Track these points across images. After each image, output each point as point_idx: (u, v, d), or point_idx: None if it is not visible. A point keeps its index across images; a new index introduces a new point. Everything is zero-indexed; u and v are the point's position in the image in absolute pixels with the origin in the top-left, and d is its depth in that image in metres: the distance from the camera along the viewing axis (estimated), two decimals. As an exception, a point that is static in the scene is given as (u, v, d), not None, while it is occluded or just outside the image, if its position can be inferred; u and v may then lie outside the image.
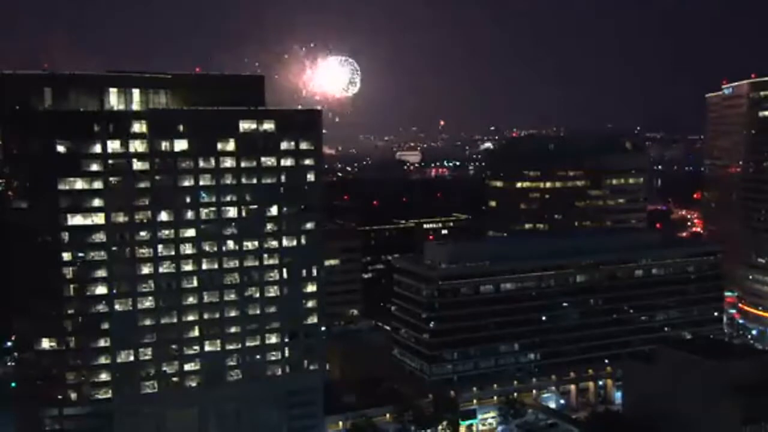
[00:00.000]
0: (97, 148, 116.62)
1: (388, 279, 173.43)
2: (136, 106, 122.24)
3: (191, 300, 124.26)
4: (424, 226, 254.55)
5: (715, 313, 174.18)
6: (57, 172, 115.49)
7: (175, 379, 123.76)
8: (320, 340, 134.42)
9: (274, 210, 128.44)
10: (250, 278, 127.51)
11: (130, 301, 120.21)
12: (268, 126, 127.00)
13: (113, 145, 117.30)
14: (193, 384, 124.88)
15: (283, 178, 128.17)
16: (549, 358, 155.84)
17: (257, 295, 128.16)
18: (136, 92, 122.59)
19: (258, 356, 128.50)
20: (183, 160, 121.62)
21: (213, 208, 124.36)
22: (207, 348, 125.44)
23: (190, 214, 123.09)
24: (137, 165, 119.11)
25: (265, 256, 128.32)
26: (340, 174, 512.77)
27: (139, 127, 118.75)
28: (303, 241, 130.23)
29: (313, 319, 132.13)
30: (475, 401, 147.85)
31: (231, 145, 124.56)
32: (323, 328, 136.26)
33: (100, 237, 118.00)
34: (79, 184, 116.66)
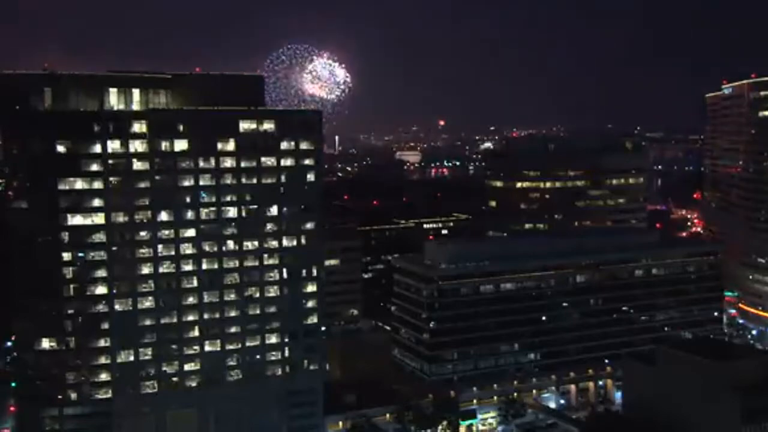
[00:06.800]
0: (97, 148, 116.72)
1: (388, 279, 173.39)
2: (136, 106, 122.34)
3: (191, 300, 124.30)
4: (424, 226, 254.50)
5: (715, 313, 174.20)
6: (57, 172, 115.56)
7: (175, 379, 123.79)
8: (320, 340, 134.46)
9: (274, 210, 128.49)
10: (250, 278, 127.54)
11: (130, 301, 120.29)
12: (268, 126, 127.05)
13: (113, 145, 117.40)
14: (193, 384, 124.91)
15: (283, 178, 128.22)
16: (549, 358, 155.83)
17: (257, 295, 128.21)
18: (136, 92, 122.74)
19: (258, 356, 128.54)
20: (183, 160, 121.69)
21: (213, 208, 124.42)
22: (207, 348, 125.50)
23: (190, 214, 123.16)
24: (137, 165, 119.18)
25: (265, 256, 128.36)
26: (340, 174, 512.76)
27: (139, 127, 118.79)
28: (303, 241, 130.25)
29: (313, 319, 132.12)
30: (475, 401, 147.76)
31: (231, 145, 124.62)
32: (323, 328, 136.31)
33: (100, 237, 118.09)
34: (79, 184, 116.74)
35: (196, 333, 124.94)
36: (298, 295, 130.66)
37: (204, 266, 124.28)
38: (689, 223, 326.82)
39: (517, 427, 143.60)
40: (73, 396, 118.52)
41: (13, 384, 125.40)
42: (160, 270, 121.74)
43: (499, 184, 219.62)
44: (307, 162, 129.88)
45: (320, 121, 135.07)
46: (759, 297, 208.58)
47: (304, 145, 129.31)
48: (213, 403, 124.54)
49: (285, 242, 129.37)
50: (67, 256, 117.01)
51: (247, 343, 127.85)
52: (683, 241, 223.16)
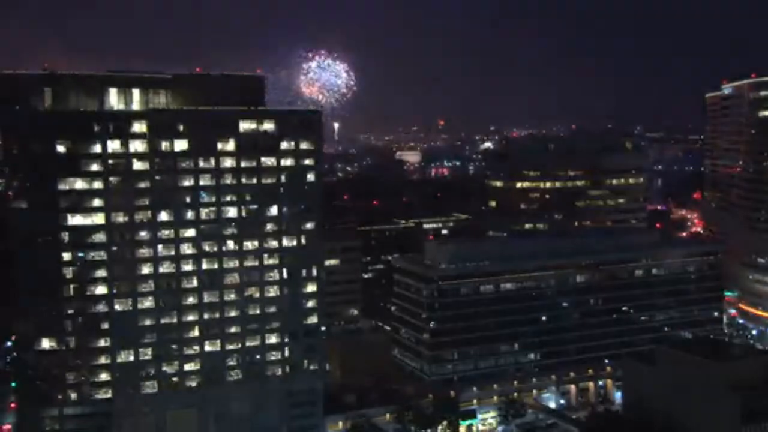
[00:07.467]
0: (97, 148, 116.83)
1: (388, 279, 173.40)
2: (136, 106, 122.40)
3: (191, 300, 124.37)
4: (424, 226, 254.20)
5: (715, 313, 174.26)
6: (57, 172, 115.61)
7: (175, 379, 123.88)
8: (320, 340, 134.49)
9: (274, 210, 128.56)
10: (250, 278, 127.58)
11: (130, 301, 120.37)
12: (268, 126, 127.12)
13: (113, 145, 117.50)
14: (193, 384, 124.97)
15: (283, 178, 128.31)
16: (549, 358, 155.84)
17: (257, 295, 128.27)
18: (136, 92, 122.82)
19: (258, 356, 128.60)
20: (183, 160, 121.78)
21: (213, 208, 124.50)
22: (207, 348, 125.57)
23: (190, 214, 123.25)
24: (137, 165, 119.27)
25: (265, 256, 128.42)
26: (340, 174, 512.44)
27: (139, 127, 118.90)
28: (303, 241, 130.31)
29: (313, 319, 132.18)
30: (475, 401, 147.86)
31: (231, 145, 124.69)
32: (323, 328, 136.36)
33: (100, 237, 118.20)
34: (79, 184, 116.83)
35: (196, 333, 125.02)
36: (298, 295, 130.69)
37: (204, 266, 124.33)
38: (689, 223, 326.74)
39: (517, 427, 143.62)
40: (73, 396, 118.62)
41: (13, 384, 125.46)
42: (160, 270, 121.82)
43: (499, 184, 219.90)
44: (307, 162, 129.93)
45: (320, 121, 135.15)
46: (759, 297, 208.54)
47: (304, 145, 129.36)
48: (213, 403, 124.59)
49: (285, 242, 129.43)
50: (67, 256, 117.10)
51: (247, 343, 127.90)
52: (683, 241, 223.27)
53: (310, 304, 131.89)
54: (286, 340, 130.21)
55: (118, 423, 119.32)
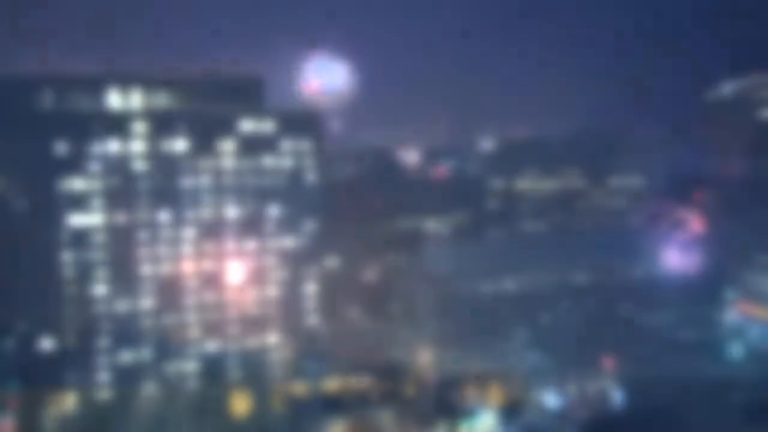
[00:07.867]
0: (97, 148, 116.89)
1: (388, 279, 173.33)
2: (136, 106, 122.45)
3: (191, 300, 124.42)
4: (424, 226, 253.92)
5: (715, 313, 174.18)
6: (57, 172, 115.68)
7: (175, 378, 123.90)
8: (320, 340, 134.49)
9: (274, 210, 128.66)
10: (249, 278, 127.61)
11: (130, 301, 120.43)
12: (268, 126, 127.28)
13: (113, 145, 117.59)
14: (193, 383, 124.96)
15: (283, 178, 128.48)
16: (549, 358, 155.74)
17: (257, 294, 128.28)
18: (136, 92, 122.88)
19: (258, 356, 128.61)
20: (183, 160, 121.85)
21: (213, 208, 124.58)
22: (207, 348, 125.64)
23: (190, 214, 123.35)
24: (137, 165, 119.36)
25: (265, 256, 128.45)
26: (340, 174, 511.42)
27: (139, 127, 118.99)
28: (303, 241, 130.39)
29: (313, 319, 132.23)
30: (475, 401, 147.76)
31: (231, 145, 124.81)
32: (323, 328, 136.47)
33: (100, 237, 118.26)
34: (79, 184, 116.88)
35: (196, 333, 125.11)
36: (298, 295, 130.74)
37: (204, 266, 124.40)
38: (689, 223, 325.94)
39: (517, 427, 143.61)
40: (73, 396, 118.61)
41: (13, 384, 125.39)
42: (160, 270, 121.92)
43: (499, 184, 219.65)
44: (307, 162, 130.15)
45: (320, 121, 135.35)
46: (759, 297, 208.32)
47: (303, 145, 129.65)
48: (213, 403, 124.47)
49: (285, 242, 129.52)
50: (67, 256, 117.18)
51: (247, 343, 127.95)
52: (683, 241, 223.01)
53: (310, 304, 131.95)
54: (286, 340, 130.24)
55: (118, 423, 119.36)
